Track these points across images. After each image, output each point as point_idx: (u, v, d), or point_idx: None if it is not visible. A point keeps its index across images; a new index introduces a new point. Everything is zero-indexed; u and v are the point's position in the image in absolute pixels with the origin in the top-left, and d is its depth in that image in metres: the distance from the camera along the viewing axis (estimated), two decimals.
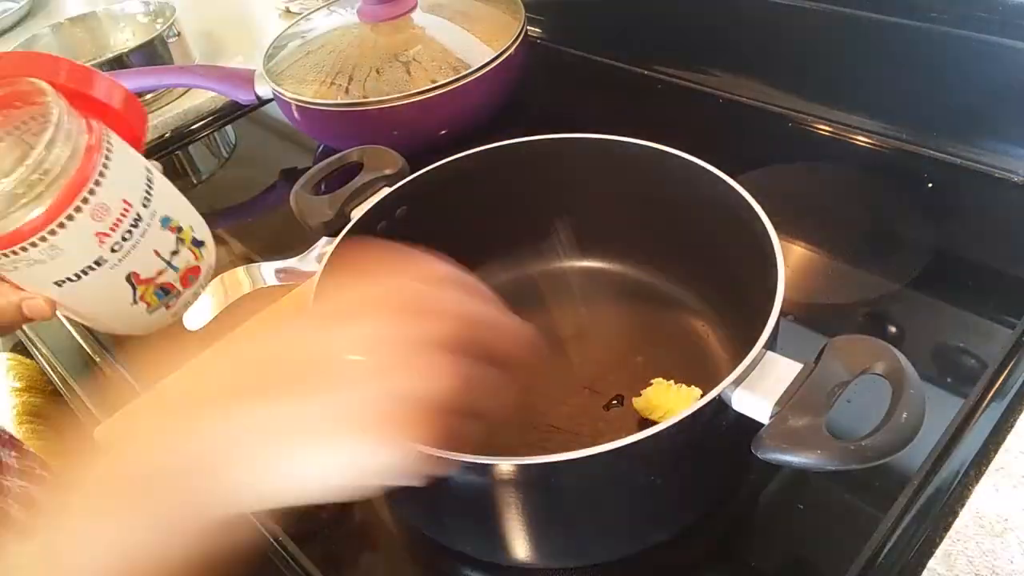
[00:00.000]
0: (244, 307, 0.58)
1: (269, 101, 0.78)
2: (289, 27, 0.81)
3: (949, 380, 0.47)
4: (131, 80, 0.84)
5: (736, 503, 0.43)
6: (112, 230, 0.39)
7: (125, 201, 0.40)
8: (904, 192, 0.61)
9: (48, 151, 0.36)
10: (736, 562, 0.40)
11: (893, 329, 0.51)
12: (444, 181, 0.52)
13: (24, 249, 0.38)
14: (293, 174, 0.80)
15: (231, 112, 0.90)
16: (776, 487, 0.43)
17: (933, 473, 0.41)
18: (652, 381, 0.46)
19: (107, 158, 0.40)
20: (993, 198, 0.60)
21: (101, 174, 0.39)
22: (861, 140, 0.67)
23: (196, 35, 1.04)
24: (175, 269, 0.43)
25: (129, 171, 0.41)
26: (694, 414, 0.33)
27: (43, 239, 0.37)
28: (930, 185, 0.61)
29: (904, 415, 0.32)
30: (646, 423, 0.46)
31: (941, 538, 0.39)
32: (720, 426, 0.36)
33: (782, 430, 0.33)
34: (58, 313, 0.42)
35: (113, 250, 0.40)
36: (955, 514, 0.40)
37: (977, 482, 0.41)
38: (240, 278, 0.58)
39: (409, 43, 0.73)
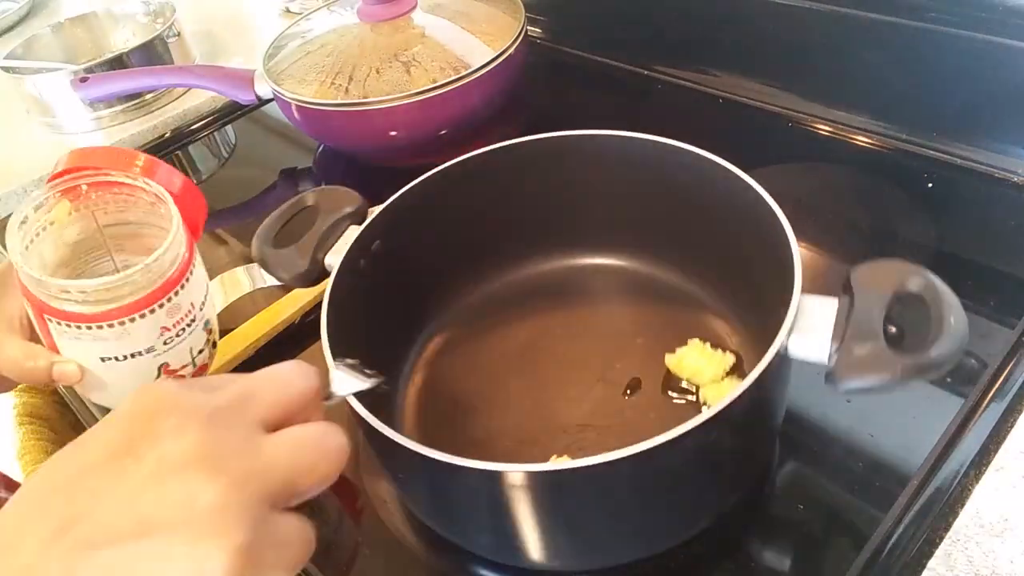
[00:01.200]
0: (244, 307, 0.58)
1: (269, 101, 0.78)
2: (289, 27, 0.81)
3: (949, 380, 0.47)
4: (131, 80, 0.84)
5: (736, 503, 0.43)
6: (174, 326, 0.41)
7: (192, 304, 0.42)
8: (904, 192, 0.61)
9: (160, 258, 0.39)
10: (736, 562, 0.40)
11: (893, 329, 0.51)
12: (415, 204, 0.50)
13: (100, 327, 0.39)
14: (293, 174, 0.80)
15: (231, 112, 0.90)
16: (776, 487, 0.43)
17: (933, 473, 0.41)
18: (689, 340, 0.47)
19: (194, 264, 0.43)
20: (993, 198, 0.60)
21: (187, 279, 0.42)
22: (861, 140, 0.67)
23: (196, 35, 1.04)
24: (193, 366, 0.44)
25: (201, 277, 0.44)
26: (764, 371, 0.34)
27: (121, 323, 0.39)
28: (930, 185, 0.61)
29: (952, 319, 0.33)
30: (666, 404, 0.46)
31: (941, 538, 0.39)
32: (783, 382, 0.37)
33: (852, 360, 0.33)
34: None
35: (165, 343, 0.42)
36: (955, 514, 0.40)
37: (977, 482, 0.41)
38: (240, 278, 0.58)
39: (409, 43, 0.73)
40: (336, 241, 0.48)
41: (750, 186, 0.44)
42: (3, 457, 0.66)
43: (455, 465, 0.33)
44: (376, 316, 0.49)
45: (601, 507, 0.36)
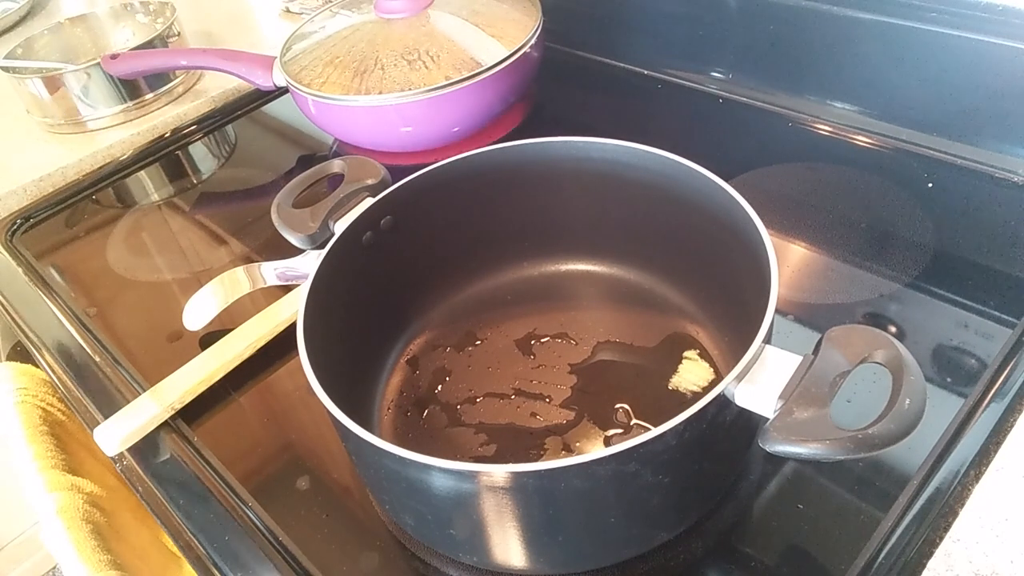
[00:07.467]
0: (244, 307, 0.58)
1: (287, 91, 0.78)
2: (304, 23, 0.82)
3: (949, 380, 0.47)
4: (158, 59, 0.85)
5: (736, 503, 0.43)
6: None
7: None
8: (904, 192, 0.61)
9: None
10: (736, 562, 0.40)
11: (893, 329, 0.51)
12: (429, 189, 0.51)
13: None
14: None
15: (231, 112, 0.90)
16: (776, 487, 0.43)
17: (933, 473, 0.41)
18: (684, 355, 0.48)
19: None
20: (993, 198, 0.60)
21: None
22: (861, 140, 0.67)
23: (196, 35, 1.04)
24: None
25: None
26: (699, 412, 0.33)
27: None
28: (930, 185, 0.61)
29: (907, 401, 0.32)
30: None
31: (941, 538, 0.39)
32: (724, 422, 0.36)
33: (788, 423, 0.33)
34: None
35: None
36: (955, 514, 0.40)
37: (977, 482, 0.41)
38: (240, 278, 0.58)
39: (425, 40, 0.73)
40: (350, 210, 0.48)
41: (737, 201, 0.43)
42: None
43: (421, 463, 0.34)
44: (362, 304, 0.49)
45: (558, 510, 0.36)
